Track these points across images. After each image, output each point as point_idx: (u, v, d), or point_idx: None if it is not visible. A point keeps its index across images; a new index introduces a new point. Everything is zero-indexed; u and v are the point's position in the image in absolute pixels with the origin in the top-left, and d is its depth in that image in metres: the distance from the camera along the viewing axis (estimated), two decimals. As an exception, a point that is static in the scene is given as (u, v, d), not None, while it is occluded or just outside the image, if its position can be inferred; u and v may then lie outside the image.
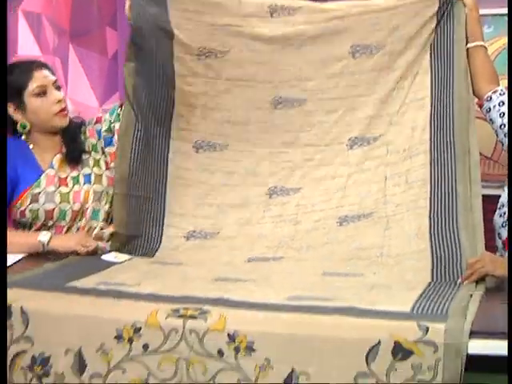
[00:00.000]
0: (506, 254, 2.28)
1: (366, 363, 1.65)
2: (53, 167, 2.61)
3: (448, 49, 2.42)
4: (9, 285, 1.95)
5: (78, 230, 2.59)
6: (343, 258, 2.36)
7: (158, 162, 2.57)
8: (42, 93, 2.56)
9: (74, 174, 2.62)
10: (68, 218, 2.57)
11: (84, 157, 2.65)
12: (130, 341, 1.78)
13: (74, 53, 3.65)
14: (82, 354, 1.81)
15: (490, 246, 2.31)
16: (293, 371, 1.69)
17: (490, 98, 2.38)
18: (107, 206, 2.61)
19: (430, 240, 2.30)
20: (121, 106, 2.63)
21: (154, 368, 1.76)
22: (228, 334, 1.72)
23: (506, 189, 2.33)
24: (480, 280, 2.04)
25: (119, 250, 2.48)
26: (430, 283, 2.12)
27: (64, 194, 2.57)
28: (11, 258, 2.29)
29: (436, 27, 2.43)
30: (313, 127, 2.54)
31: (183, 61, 2.51)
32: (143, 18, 2.46)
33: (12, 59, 3.13)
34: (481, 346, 1.63)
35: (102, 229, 2.57)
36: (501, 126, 2.34)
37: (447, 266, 2.22)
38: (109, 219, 2.62)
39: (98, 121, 2.70)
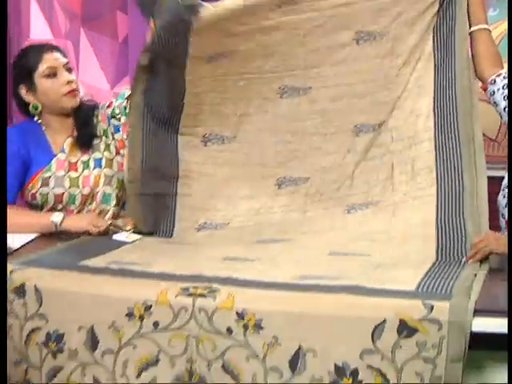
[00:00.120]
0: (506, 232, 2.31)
1: (371, 341, 1.67)
2: (64, 151, 2.63)
3: (450, 33, 2.40)
4: (22, 263, 1.99)
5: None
6: (350, 239, 2.38)
7: (168, 159, 2.57)
8: (52, 74, 2.57)
9: (85, 158, 2.64)
10: (78, 202, 2.60)
11: (95, 141, 2.66)
12: (141, 318, 1.80)
13: (85, 37, 3.66)
14: (94, 331, 1.84)
15: (494, 226, 2.31)
16: (300, 348, 1.71)
17: (494, 81, 2.36)
18: (117, 191, 2.64)
19: (436, 227, 2.30)
20: (127, 98, 2.61)
21: (165, 345, 1.79)
22: (237, 312, 1.75)
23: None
24: (484, 259, 2.06)
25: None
26: (434, 263, 2.14)
27: (73, 178, 2.60)
28: (24, 238, 2.32)
29: (438, 11, 2.42)
30: (318, 115, 2.53)
31: (194, 69, 2.50)
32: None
33: (24, 43, 3.17)
34: (483, 324, 1.65)
35: (115, 215, 2.60)
36: (504, 108, 2.32)
37: (452, 247, 2.24)
38: (120, 203, 2.64)
39: (110, 106, 2.69)
